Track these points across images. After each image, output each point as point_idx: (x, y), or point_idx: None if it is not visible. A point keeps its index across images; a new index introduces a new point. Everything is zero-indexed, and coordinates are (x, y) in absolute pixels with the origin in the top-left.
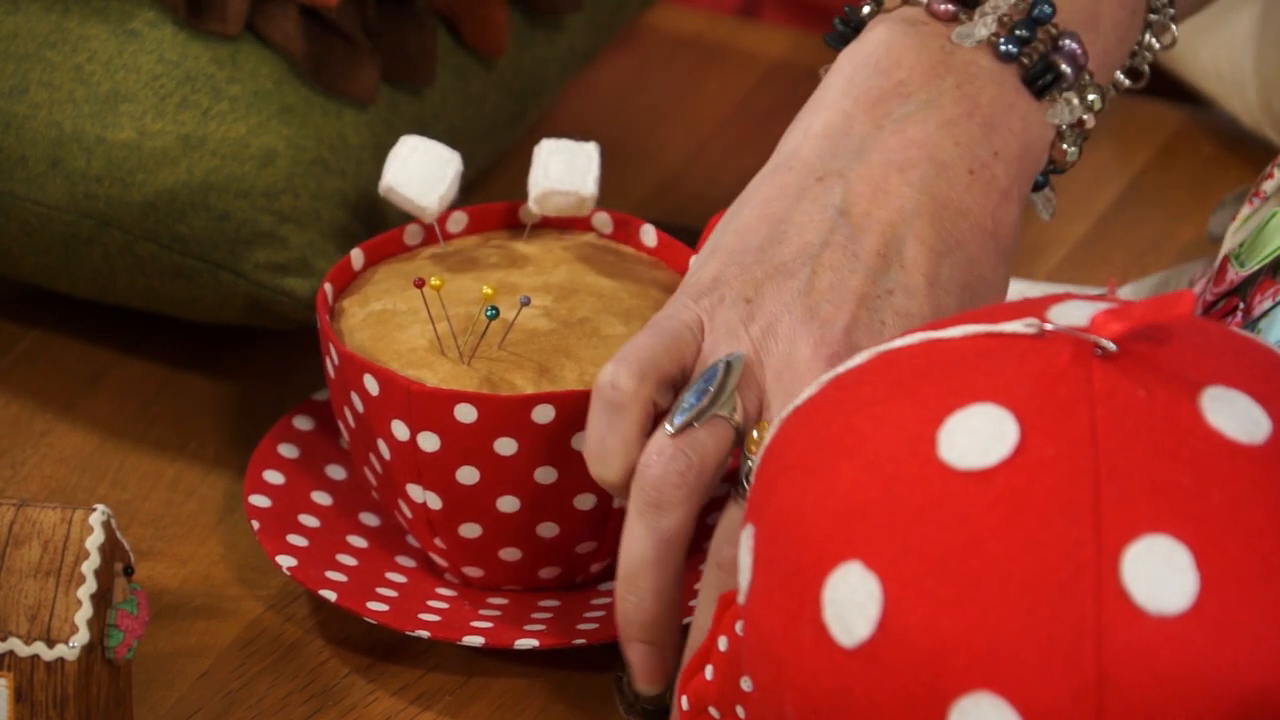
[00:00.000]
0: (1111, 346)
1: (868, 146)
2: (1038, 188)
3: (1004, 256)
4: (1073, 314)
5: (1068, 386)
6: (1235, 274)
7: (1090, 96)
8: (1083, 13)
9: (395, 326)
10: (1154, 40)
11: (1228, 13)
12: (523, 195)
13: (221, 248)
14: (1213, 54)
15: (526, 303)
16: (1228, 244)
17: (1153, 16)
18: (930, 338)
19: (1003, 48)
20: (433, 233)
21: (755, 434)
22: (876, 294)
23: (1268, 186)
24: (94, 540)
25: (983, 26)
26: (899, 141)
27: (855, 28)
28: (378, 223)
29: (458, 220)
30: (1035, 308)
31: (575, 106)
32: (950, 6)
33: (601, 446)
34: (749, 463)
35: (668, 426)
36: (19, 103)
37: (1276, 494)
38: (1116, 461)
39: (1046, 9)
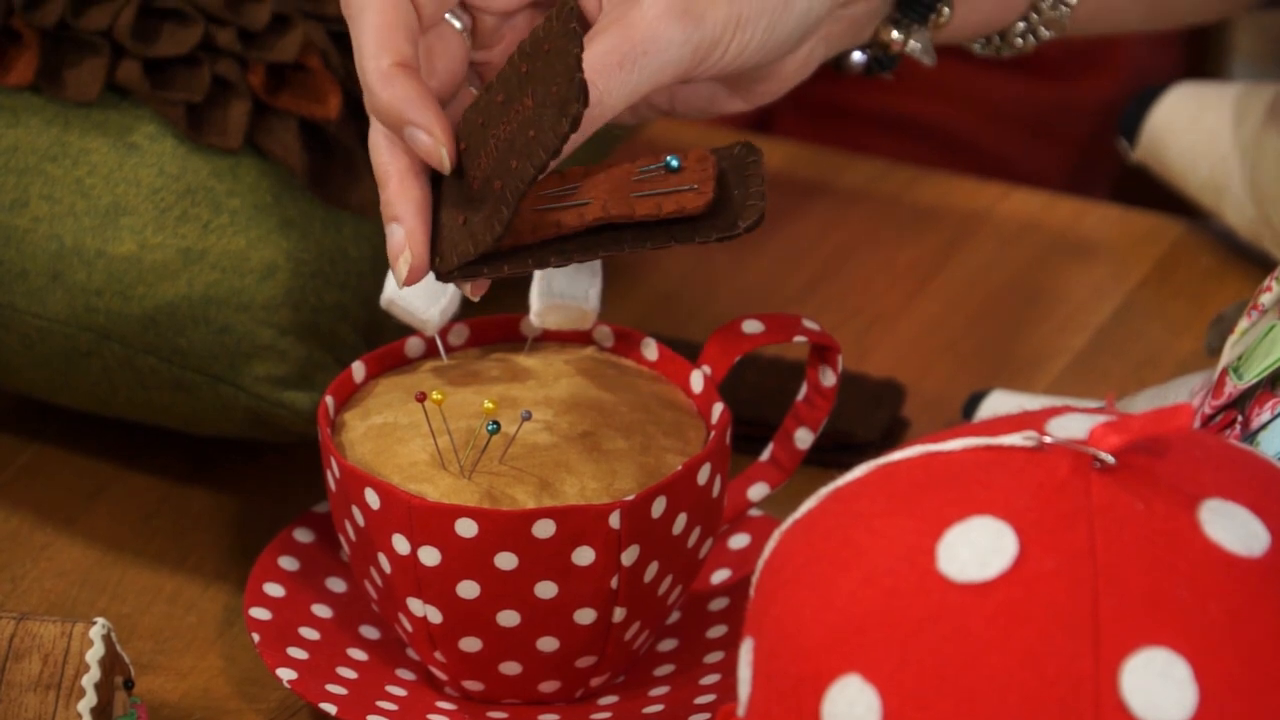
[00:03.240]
0: (1110, 459)
1: None
2: (870, 70)
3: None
4: (1071, 427)
5: (1066, 499)
6: (1234, 386)
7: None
8: None
9: (396, 440)
10: None
11: (1226, 126)
12: (524, 308)
13: (222, 361)
14: (1211, 167)
15: (528, 418)
16: (1226, 356)
17: None
18: (929, 450)
19: None
20: (434, 346)
21: None
22: None
23: (1266, 299)
24: (94, 654)
25: None
26: None
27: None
28: (378, 336)
29: (459, 333)
30: (1034, 420)
31: None
32: None
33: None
34: None
35: None
36: (20, 216)
37: (1275, 607)
38: (1115, 574)
39: None
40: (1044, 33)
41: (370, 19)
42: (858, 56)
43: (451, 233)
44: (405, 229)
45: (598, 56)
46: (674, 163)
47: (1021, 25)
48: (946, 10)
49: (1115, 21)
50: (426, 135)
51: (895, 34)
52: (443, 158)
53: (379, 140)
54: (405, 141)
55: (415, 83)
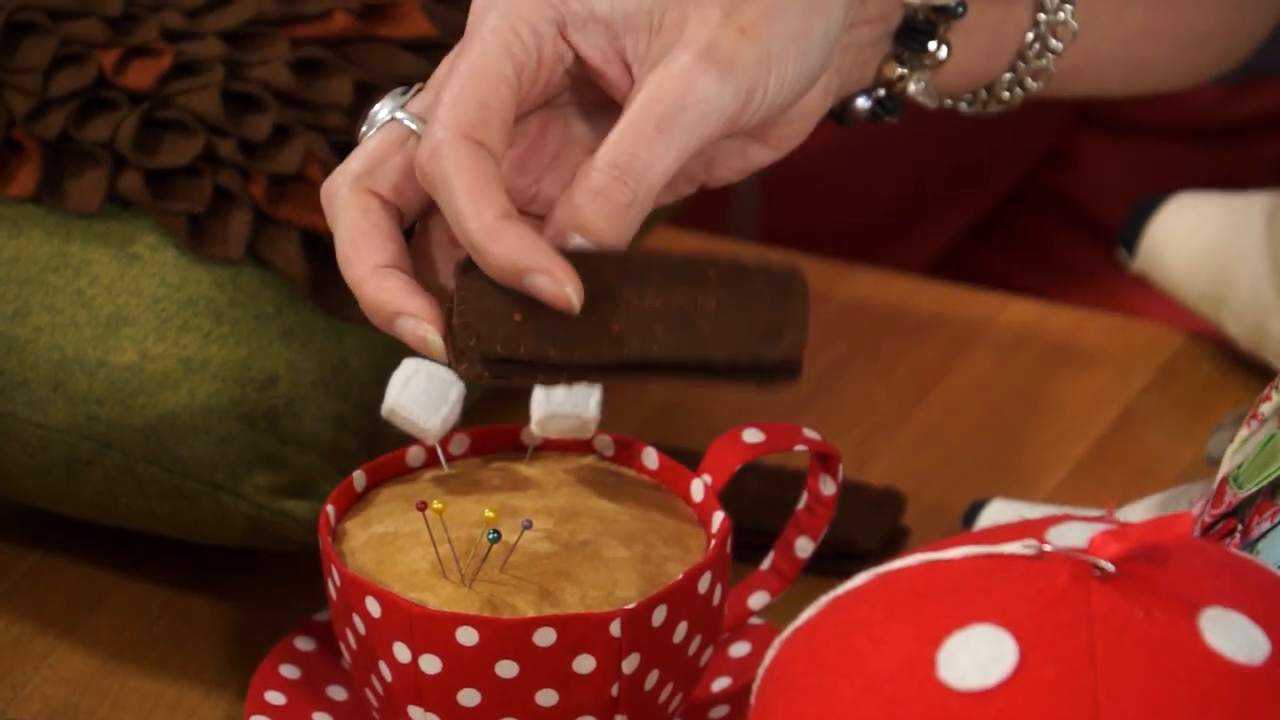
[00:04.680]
0: (1110, 567)
1: None
2: (875, 116)
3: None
4: (1071, 535)
5: (1066, 607)
6: (1234, 495)
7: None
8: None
9: (397, 549)
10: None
11: (1227, 235)
12: (525, 418)
13: (222, 470)
14: (1211, 278)
15: (528, 526)
16: (1226, 466)
17: (1042, 16)
18: (929, 559)
19: None
20: (435, 455)
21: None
22: None
23: (1265, 408)
24: None
25: None
26: None
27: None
28: (379, 445)
29: (460, 442)
30: (1034, 529)
31: None
32: None
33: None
34: None
35: None
36: (21, 326)
37: (1276, 716)
38: (1115, 682)
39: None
40: (1031, 84)
41: (459, 181)
42: (862, 103)
43: (495, 319)
44: (410, 314)
45: (631, 125)
46: None
47: (1008, 76)
48: (945, 49)
49: (1096, 82)
50: (547, 278)
51: (899, 70)
52: (569, 297)
53: (345, 251)
54: (525, 289)
55: (521, 229)
